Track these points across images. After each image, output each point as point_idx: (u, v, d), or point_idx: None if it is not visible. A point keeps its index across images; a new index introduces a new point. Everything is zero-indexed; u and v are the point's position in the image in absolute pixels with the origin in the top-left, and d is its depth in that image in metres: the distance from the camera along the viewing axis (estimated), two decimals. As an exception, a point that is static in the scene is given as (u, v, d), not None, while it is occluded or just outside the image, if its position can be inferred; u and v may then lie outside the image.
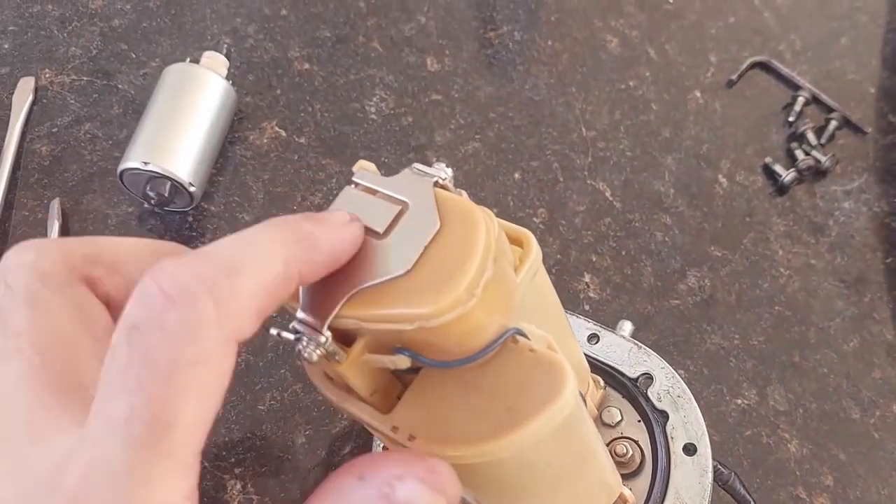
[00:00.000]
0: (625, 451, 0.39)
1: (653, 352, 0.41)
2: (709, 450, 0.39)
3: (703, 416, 0.42)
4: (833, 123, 0.59)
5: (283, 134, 0.56)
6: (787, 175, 0.57)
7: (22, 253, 0.24)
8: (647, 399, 0.40)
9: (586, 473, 0.32)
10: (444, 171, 0.28)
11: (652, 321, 0.52)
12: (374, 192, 0.27)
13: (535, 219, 0.55)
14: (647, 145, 0.58)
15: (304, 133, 0.57)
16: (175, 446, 0.18)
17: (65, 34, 0.58)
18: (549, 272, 0.51)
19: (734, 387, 0.51)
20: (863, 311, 0.54)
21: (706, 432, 0.40)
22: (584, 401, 0.38)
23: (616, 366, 0.41)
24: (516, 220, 0.54)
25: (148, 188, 0.49)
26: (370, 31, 0.61)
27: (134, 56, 0.58)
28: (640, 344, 0.42)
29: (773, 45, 0.63)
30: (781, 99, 0.61)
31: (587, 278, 0.54)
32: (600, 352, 0.42)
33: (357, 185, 0.28)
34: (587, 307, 0.53)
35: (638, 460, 0.39)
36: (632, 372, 0.41)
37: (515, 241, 0.30)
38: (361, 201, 0.27)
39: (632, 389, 0.40)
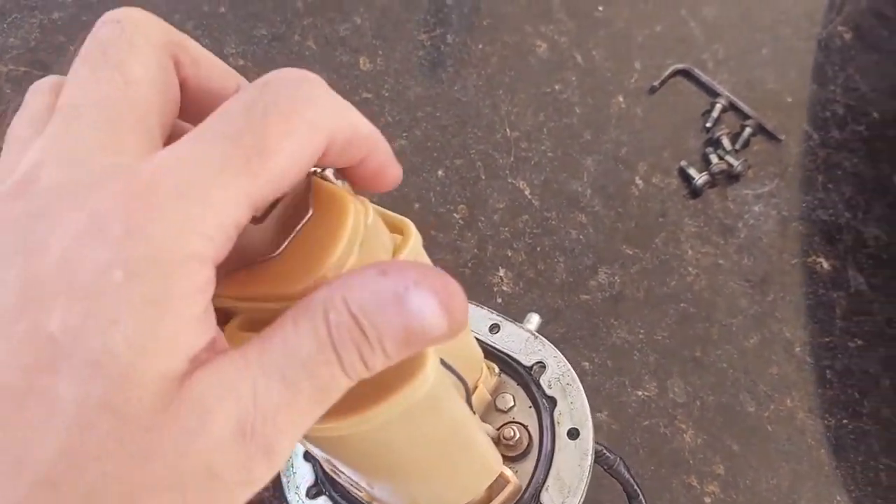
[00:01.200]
0: (512, 434, 0.41)
1: (548, 342, 0.43)
2: (591, 434, 0.41)
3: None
4: (748, 130, 0.62)
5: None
6: (699, 178, 0.59)
7: (131, 13, 0.24)
8: (539, 386, 0.42)
9: (460, 454, 0.34)
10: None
11: (561, 315, 0.55)
12: None
13: (455, 214, 0.57)
14: (568, 147, 0.61)
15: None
16: (263, 172, 0.20)
17: (4, 25, 0.59)
18: (465, 266, 0.54)
19: (636, 379, 0.53)
20: (765, 310, 0.56)
21: (590, 418, 0.42)
22: (475, 386, 0.40)
23: (513, 354, 0.43)
24: (437, 215, 0.56)
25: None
26: (306, 31, 0.63)
27: (73, 48, 0.60)
28: (536, 334, 0.44)
29: (696, 53, 0.66)
30: (701, 106, 0.64)
31: (501, 272, 0.56)
32: (499, 341, 0.44)
33: None
34: (500, 300, 0.55)
35: (525, 443, 0.42)
36: (527, 360, 0.43)
37: (396, 230, 0.32)
38: None
39: (525, 377, 0.42)
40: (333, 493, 0.41)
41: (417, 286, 0.22)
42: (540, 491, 0.39)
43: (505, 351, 0.44)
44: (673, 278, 0.56)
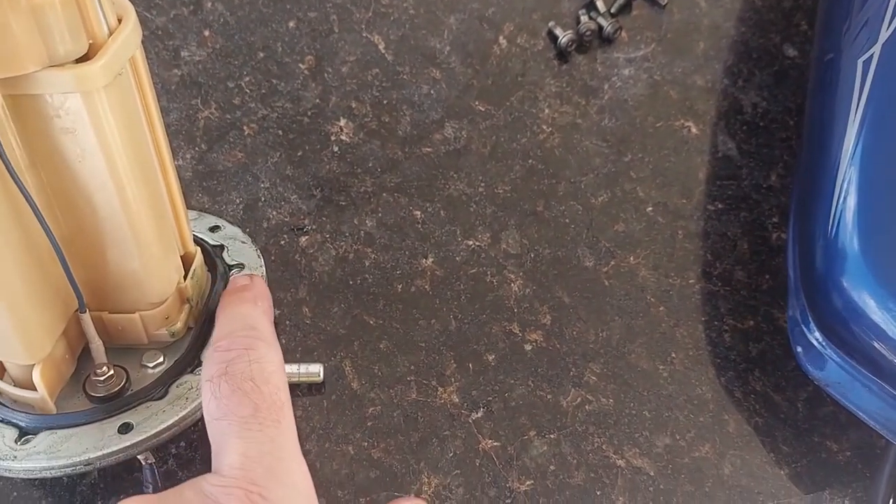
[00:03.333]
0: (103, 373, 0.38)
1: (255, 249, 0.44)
2: None
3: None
4: (626, -7, 0.58)
5: None
6: (563, 36, 0.56)
7: None
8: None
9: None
10: None
11: (399, 165, 0.52)
12: None
13: (301, 65, 0.55)
14: (431, 4, 0.58)
15: None
16: None
17: None
18: (304, 115, 0.52)
19: (469, 229, 0.50)
20: (619, 170, 0.53)
21: None
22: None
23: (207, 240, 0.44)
24: (281, 65, 0.54)
25: None
26: None
27: None
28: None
29: (583, -79, 0.63)
30: (582, -29, 0.61)
31: (342, 122, 0.54)
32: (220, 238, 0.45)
33: None
34: (336, 149, 0.53)
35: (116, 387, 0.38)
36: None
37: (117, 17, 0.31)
38: None
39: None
40: None
41: None
42: None
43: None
44: (524, 135, 0.54)
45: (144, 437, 0.35)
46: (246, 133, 0.53)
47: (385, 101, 0.54)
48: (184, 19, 0.56)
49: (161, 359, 0.39)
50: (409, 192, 0.51)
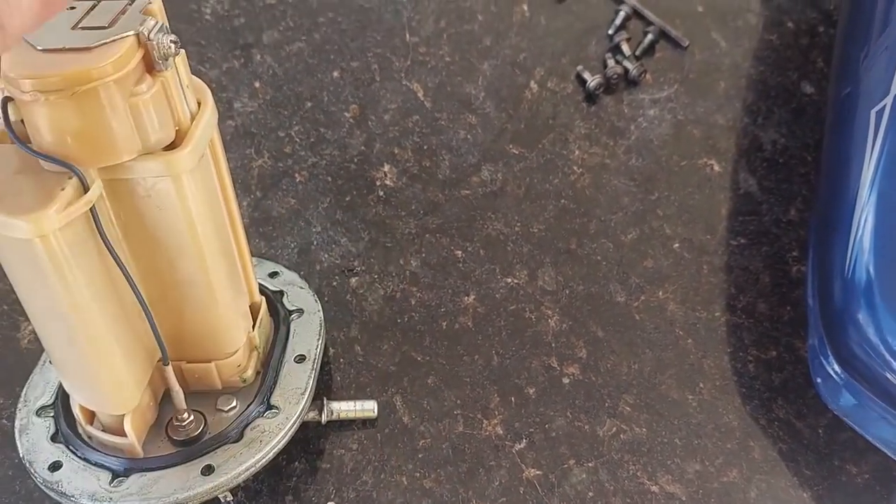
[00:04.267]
0: (185, 420, 0.42)
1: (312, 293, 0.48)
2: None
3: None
4: (650, 37, 0.62)
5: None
6: (592, 80, 0.59)
7: None
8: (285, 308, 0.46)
9: (83, 341, 0.36)
10: None
11: (440, 208, 0.56)
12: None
13: (346, 113, 0.59)
14: (466, 52, 0.62)
15: (141, 30, 0.61)
16: None
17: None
18: (351, 161, 0.56)
19: (507, 267, 0.54)
20: (647, 208, 0.56)
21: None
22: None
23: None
24: (327, 114, 0.58)
25: None
26: (220, -57, 0.65)
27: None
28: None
29: (607, -35, 0.66)
30: (608, 16, 0.64)
31: (386, 168, 0.57)
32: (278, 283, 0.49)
33: None
34: (381, 193, 0.56)
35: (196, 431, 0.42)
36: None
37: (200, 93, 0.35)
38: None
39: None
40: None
41: None
42: None
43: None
44: (556, 176, 0.57)
45: (226, 478, 0.39)
46: (297, 180, 0.56)
47: (425, 147, 0.58)
48: (235, 72, 0.60)
49: (234, 403, 0.42)
50: (450, 232, 0.55)
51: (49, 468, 0.40)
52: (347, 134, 0.58)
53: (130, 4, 0.32)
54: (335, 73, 0.60)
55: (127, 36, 0.31)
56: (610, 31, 0.62)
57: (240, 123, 0.58)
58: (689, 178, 0.57)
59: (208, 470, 0.39)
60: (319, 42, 0.61)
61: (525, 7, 0.63)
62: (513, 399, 0.50)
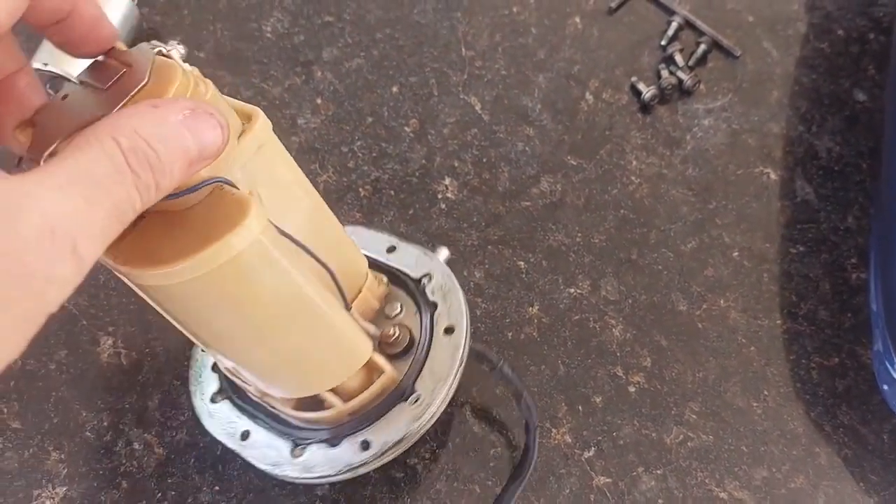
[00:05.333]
0: (393, 333, 0.44)
1: (437, 257, 0.47)
2: (464, 331, 0.44)
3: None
4: (702, 47, 0.62)
5: (183, 49, 0.62)
6: (647, 91, 0.60)
7: None
8: (424, 294, 0.45)
9: (311, 323, 0.37)
10: (175, 48, 0.34)
11: (501, 220, 0.57)
12: (116, 58, 0.32)
13: (406, 128, 0.60)
14: (521, 65, 0.63)
15: (205, 49, 0.63)
16: None
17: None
18: (413, 175, 0.57)
19: (570, 278, 0.55)
20: (705, 217, 0.57)
21: (466, 317, 0.44)
22: (360, 291, 0.43)
23: (404, 269, 0.47)
24: (388, 128, 0.59)
25: (48, 87, 0.56)
26: (277, -38, 0.67)
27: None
28: (428, 252, 0.47)
29: (657, -24, 0.67)
30: (660, 26, 0.65)
31: (447, 181, 0.58)
32: (394, 259, 0.48)
33: (106, 56, 0.33)
34: (443, 206, 0.57)
35: (406, 341, 0.44)
36: (415, 273, 0.46)
37: (245, 116, 0.35)
38: (103, 64, 0.32)
39: (412, 287, 0.46)
40: (234, 397, 0.45)
41: (194, 112, 0.26)
42: (415, 380, 0.42)
43: (396, 266, 0.47)
44: (615, 187, 0.58)
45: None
46: (362, 195, 0.58)
47: (484, 159, 0.59)
48: (297, 89, 0.62)
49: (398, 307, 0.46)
50: (511, 243, 0.56)
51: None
52: (408, 148, 0.59)
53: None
54: (394, 89, 0.61)
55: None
56: (663, 42, 0.63)
57: (304, 139, 0.59)
58: (746, 187, 0.58)
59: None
60: (378, 58, 0.62)
61: (577, 20, 0.64)
62: (580, 408, 0.51)
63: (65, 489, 0.50)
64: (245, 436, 0.44)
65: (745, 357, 0.52)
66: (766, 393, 0.51)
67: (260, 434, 0.44)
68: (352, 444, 0.42)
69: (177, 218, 0.32)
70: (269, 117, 0.35)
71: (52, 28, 0.30)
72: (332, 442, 0.42)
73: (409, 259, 0.47)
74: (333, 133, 0.60)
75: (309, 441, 0.42)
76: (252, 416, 0.44)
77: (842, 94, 0.62)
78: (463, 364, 0.43)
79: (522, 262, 0.55)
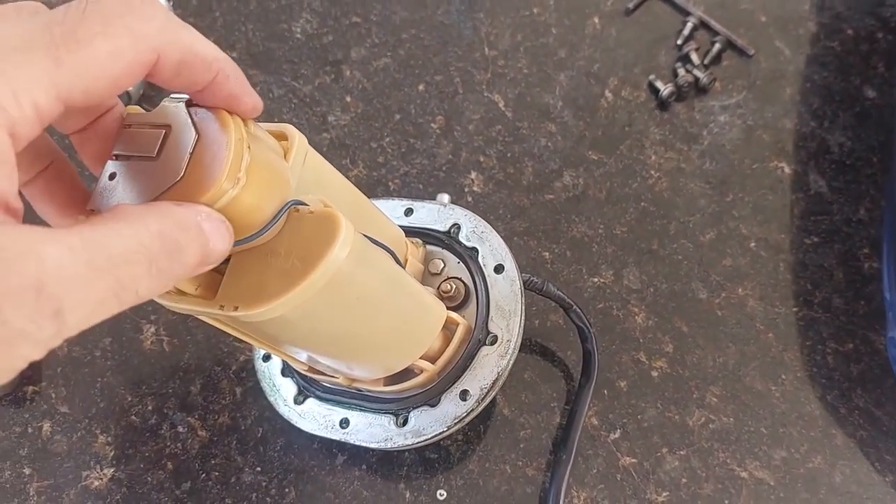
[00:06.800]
0: (449, 287, 0.46)
1: (456, 206, 0.49)
2: (514, 264, 0.46)
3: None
4: (717, 46, 0.65)
5: (216, 49, 0.64)
6: (665, 89, 0.62)
7: None
8: (459, 242, 0.47)
9: (403, 302, 0.39)
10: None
11: (526, 212, 0.59)
12: (143, 125, 0.31)
13: (433, 125, 0.62)
14: (542, 64, 0.65)
15: (236, 49, 0.65)
16: (68, 62, 0.23)
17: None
18: (440, 170, 0.59)
19: (593, 267, 0.57)
20: (723, 209, 0.59)
21: (509, 252, 0.46)
22: (405, 259, 0.45)
23: (429, 226, 0.48)
24: (415, 125, 0.62)
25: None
26: (304, -35, 0.69)
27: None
28: (444, 203, 0.49)
29: (673, -22, 0.69)
30: (676, 27, 0.67)
31: (473, 175, 0.61)
32: (416, 220, 0.49)
33: (129, 125, 0.32)
34: (469, 199, 0.60)
35: (463, 292, 0.47)
36: (443, 227, 0.48)
37: (281, 136, 0.36)
38: (134, 136, 0.31)
39: (446, 240, 0.48)
40: (317, 392, 0.47)
41: (209, 216, 0.28)
42: (487, 322, 0.44)
43: (422, 226, 0.49)
44: (635, 180, 0.60)
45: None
46: (391, 189, 0.60)
47: (509, 154, 0.61)
48: (327, 87, 0.64)
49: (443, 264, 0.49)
50: (536, 235, 0.58)
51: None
52: (435, 144, 0.61)
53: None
54: (420, 87, 0.63)
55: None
56: (679, 42, 0.65)
57: (334, 136, 0.61)
58: (762, 181, 0.60)
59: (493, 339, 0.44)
60: (404, 57, 0.64)
61: (596, 20, 0.66)
62: (605, 392, 0.53)
63: (112, 470, 0.52)
64: (345, 423, 0.46)
65: (763, 343, 0.54)
66: (783, 377, 0.53)
67: (358, 418, 0.45)
68: (451, 398, 0.44)
69: (264, 251, 0.32)
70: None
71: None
72: (432, 402, 0.44)
73: (430, 216, 0.49)
74: (363, 130, 0.62)
75: (409, 408, 0.44)
76: (344, 405, 0.46)
77: (852, 91, 0.64)
78: (524, 294, 0.45)
79: (547, 253, 0.57)
